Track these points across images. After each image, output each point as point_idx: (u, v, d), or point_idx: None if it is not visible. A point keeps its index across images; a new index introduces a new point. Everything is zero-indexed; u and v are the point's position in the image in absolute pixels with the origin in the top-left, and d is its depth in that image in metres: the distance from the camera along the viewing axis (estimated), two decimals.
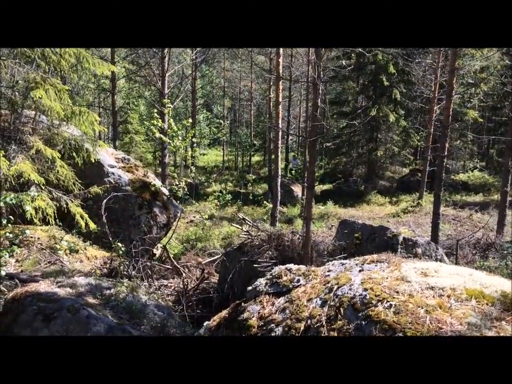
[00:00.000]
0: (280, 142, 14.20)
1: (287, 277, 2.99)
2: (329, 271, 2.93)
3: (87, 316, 4.31)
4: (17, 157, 8.98)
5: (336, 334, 2.23)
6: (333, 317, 2.35)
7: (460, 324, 1.99)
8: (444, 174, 10.24)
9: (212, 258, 9.04)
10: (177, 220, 10.76)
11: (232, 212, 16.51)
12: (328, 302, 2.48)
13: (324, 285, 2.70)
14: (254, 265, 5.80)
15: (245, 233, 6.88)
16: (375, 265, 2.73)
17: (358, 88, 23.37)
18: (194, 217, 16.20)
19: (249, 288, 3.11)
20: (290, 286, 2.89)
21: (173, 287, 6.84)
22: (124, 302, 4.92)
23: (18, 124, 9.69)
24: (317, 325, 2.36)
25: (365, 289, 2.40)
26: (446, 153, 10.10)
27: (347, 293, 2.45)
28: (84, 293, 4.81)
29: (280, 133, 14.20)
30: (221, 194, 18.77)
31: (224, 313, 3.08)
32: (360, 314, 2.25)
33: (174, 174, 23.05)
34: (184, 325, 5.25)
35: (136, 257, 6.81)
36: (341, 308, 2.36)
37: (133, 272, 6.33)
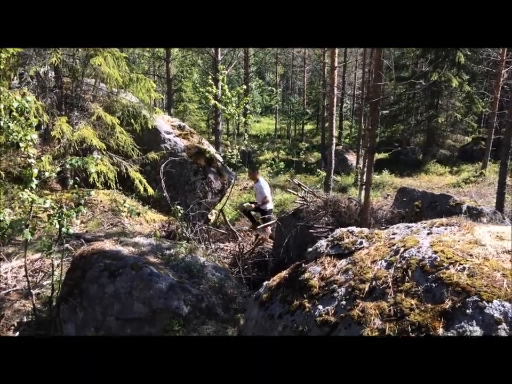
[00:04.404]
0: (335, 108, 13.83)
1: (349, 239, 2.92)
2: (394, 234, 2.83)
3: (149, 273, 4.48)
4: (80, 123, 9.34)
5: (403, 296, 2.16)
6: (400, 278, 2.27)
7: None
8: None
9: (266, 224, 9.08)
10: (231, 186, 10.86)
11: (287, 178, 16.44)
12: (395, 264, 2.40)
13: (389, 247, 2.61)
14: (310, 231, 5.77)
15: (301, 199, 6.82)
16: (445, 229, 2.60)
17: (418, 52, 22.15)
18: (247, 184, 16.31)
19: (310, 249, 3.07)
20: (353, 248, 2.82)
21: (228, 251, 6.97)
22: (183, 262, 5.06)
23: (80, 91, 10.01)
24: (383, 286, 2.29)
25: (435, 252, 2.29)
26: None
27: (415, 255, 2.35)
28: (146, 252, 4.99)
29: (335, 100, 13.82)
30: (273, 162, 18.75)
31: (284, 273, 3.07)
32: (430, 277, 2.16)
33: (227, 141, 23.16)
34: (241, 286, 5.35)
35: (193, 221, 6.97)
36: (408, 270, 2.27)
37: (190, 235, 6.48)
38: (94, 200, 8.97)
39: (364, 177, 12.49)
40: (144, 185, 9.58)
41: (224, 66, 10.35)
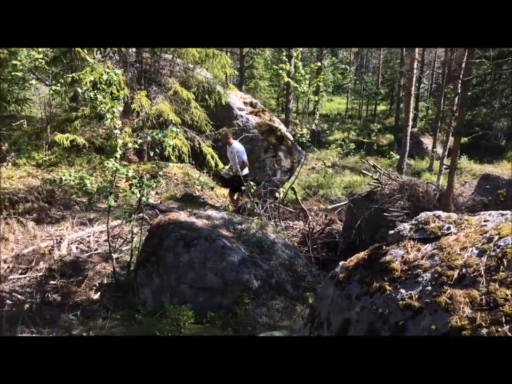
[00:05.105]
0: (413, 88, 13.21)
1: (435, 223, 2.77)
2: (485, 221, 2.65)
3: (222, 246, 4.58)
4: (157, 97, 9.63)
5: (497, 286, 2.02)
6: (494, 267, 2.12)
7: None
8: None
9: (336, 205, 8.97)
10: (300, 165, 10.78)
11: (358, 159, 16.03)
12: (488, 252, 2.25)
13: (481, 234, 2.45)
14: (384, 214, 5.60)
15: (375, 181, 6.63)
16: None
17: None
18: (316, 164, 16.12)
19: (391, 232, 2.96)
20: (439, 233, 2.68)
21: (298, 229, 6.96)
22: (254, 237, 5.12)
23: (158, 66, 10.30)
24: (474, 274, 2.16)
25: None
26: None
27: (511, 244, 2.19)
28: (219, 225, 5.10)
29: (414, 79, 13.18)
30: (343, 142, 18.34)
31: (362, 254, 2.99)
32: None
33: (297, 120, 22.92)
34: (310, 265, 5.33)
35: (263, 198, 7.01)
36: (503, 259, 2.12)
37: (260, 211, 6.54)
38: (168, 173, 9.29)
39: (445, 161, 11.87)
40: (216, 160, 9.77)
41: None
